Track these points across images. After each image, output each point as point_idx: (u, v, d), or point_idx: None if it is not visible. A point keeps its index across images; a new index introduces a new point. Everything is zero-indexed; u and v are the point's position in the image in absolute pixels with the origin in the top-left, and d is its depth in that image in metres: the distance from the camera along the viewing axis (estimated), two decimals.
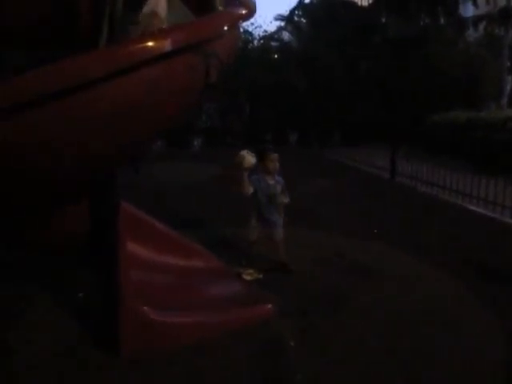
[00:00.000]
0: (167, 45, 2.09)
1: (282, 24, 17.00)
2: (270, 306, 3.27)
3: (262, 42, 15.12)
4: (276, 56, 15.03)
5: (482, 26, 14.92)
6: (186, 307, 3.15)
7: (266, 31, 15.32)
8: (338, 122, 12.72)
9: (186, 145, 12.61)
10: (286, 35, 16.92)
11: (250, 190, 3.90)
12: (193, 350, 2.75)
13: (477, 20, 14.52)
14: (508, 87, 14.18)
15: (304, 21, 16.90)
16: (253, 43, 14.67)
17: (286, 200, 4.12)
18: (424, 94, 12.42)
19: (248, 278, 3.73)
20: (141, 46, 2.09)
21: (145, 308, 2.75)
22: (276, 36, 16.26)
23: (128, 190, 3.92)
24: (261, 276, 3.77)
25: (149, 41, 2.09)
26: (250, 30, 14.19)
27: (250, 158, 3.80)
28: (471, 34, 16.04)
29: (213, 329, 3.03)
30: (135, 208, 3.64)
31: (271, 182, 4.06)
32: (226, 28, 2.47)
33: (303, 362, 2.78)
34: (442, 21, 14.79)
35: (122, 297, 2.66)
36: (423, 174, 7.52)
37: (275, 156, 4.08)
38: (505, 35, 13.95)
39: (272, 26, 20.75)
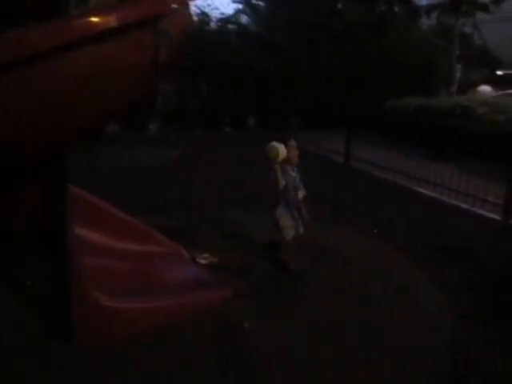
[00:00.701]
0: (114, 21, 2.01)
1: (240, 7, 16.81)
2: (227, 288, 3.29)
3: (219, 24, 14.89)
4: (235, 40, 14.86)
5: (434, 15, 15.36)
6: (142, 293, 3.11)
7: (223, 14, 15.12)
8: (297, 107, 12.79)
9: (142, 128, 12.32)
10: (244, 18, 16.75)
11: (283, 183, 3.63)
12: (152, 335, 2.73)
13: (430, 9, 14.92)
14: (458, 75, 14.73)
15: (262, 4, 16.76)
16: (209, 25, 14.42)
17: (304, 193, 3.86)
18: (380, 80, 12.69)
19: (203, 261, 3.72)
20: (86, 20, 2.00)
21: (97, 294, 2.69)
22: (234, 19, 16.06)
23: (84, 174, 3.79)
24: (216, 259, 3.76)
25: (96, 16, 2.00)
26: (206, 11, 13.96)
27: (283, 150, 3.57)
28: (424, 23, 16.48)
29: (170, 314, 3.00)
30: (89, 193, 3.53)
31: (293, 173, 3.82)
32: (175, 5, 2.39)
33: (263, 341, 2.82)
34: (397, 9, 15.10)
35: (73, 283, 2.59)
36: (377, 158, 7.71)
37: (294, 144, 3.80)
38: (455, 24, 14.42)
39: (230, 9, 20.47)
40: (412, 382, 2.51)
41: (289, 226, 3.71)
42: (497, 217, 5.32)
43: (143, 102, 9.38)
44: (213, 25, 14.70)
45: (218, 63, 12.65)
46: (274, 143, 3.57)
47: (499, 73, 31.69)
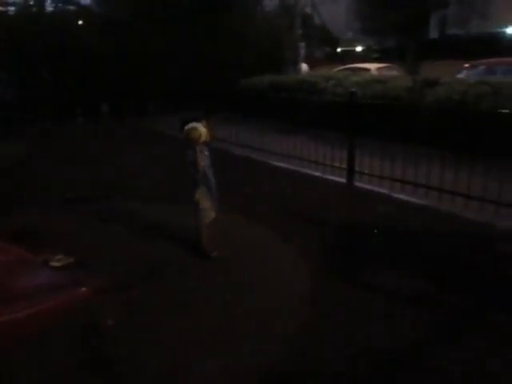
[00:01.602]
0: None
1: None
2: (85, 287, 3.07)
3: (56, 6, 13.56)
4: (80, 22, 13.69)
5: None
6: None
7: None
8: (152, 90, 12.37)
9: None
10: None
11: (203, 164, 3.57)
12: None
13: None
14: (302, 52, 15.70)
15: None
16: (45, 8, 13.06)
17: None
18: (232, 59, 12.89)
19: (58, 264, 3.42)
20: None
21: None
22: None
23: None
24: (72, 260, 3.50)
25: None
26: None
27: (205, 131, 3.50)
28: (268, 4, 17.13)
29: (25, 323, 2.72)
30: None
31: (207, 152, 3.74)
32: None
33: (125, 335, 2.72)
34: None
35: None
36: (235, 136, 7.87)
37: (204, 123, 3.72)
38: (296, 4, 15.26)
39: None
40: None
41: (208, 207, 3.67)
42: (344, 180, 5.83)
43: None
44: (49, 7, 13.33)
45: (60, 47, 11.57)
46: (194, 124, 3.51)
47: (339, 50, 34.84)
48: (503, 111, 4.79)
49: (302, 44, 15.97)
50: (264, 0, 16.60)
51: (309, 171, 6.36)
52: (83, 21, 13.62)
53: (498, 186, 4.24)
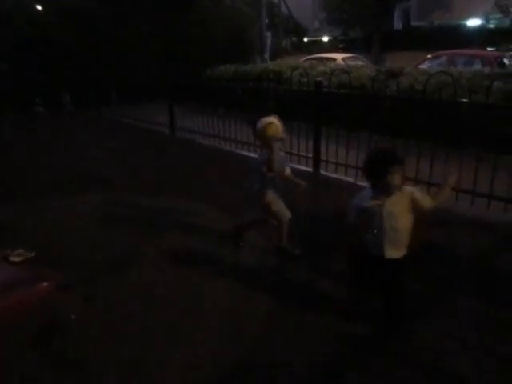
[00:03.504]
0: None
1: None
2: (46, 283, 2.99)
3: None
4: (40, 8, 13.15)
5: None
6: None
7: None
8: (116, 80, 12.07)
9: None
10: None
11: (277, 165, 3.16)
12: None
13: None
14: (269, 42, 15.68)
15: None
16: None
17: (289, 169, 3.53)
18: (198, 49, 12.73)
19: (17, 259, 3.31)
20: None
21: None
22: None
23: None
24: (33, 254, 3.39)
25: None
26: None
27: (281, 126, 3.10)
28: None
29: None
30: None
31: (283, 153, 3.42)
32: None
33: (87, 331, 2.67)
34: None
35: None
36: (202, 126, 7.81)
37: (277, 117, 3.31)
38: None
39: None
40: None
41: (282, 207, 3.43)
42: (310, 169, 5.88)
43: None
44: None
45: (17, 36, 11.12)
46: (269, 118, 3.14)
47: (306, 39, 34.97)
48: (463, 100, 4.92)
49: (269, 33, 15.99)
50: None
51: None
52: (43, 7, 13.11)
53: (458, 173, 4.36)
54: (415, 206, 2.44)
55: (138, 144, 8.08)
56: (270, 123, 3.12)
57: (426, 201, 2.46)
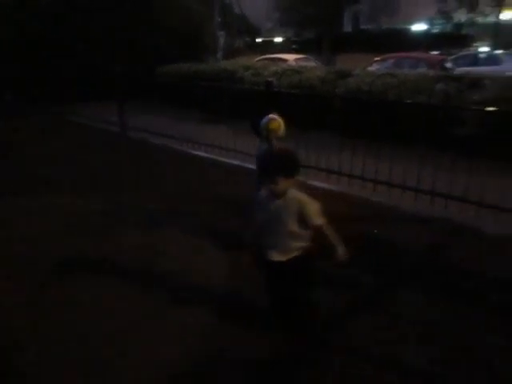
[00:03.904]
0: None
1: None
2: None
3: None
4: None
5: None
6: None
7: None
8: (62, 77, 11.62)
9: None
10: None
11: None
12: None
13: None
14: (222, 41, 15.64)
15: None
16: None
17: None
18: (150, 47, 12.47)
19: None
20: None
21: None
22: None
23: None
24: None
25: None
26: None
27: (283, 124, 3.22)
28: None
29: None
30: None
31: None
32: None
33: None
34: None
35: None
36: (154, 125, 7.68)
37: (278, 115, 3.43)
38: None
39: None
40: None
41: None
42: None
43: None
44: None
45: None
46: (272, 115, 3.30)
47: (259, 40, 35.19)
48: (407, 101, 5.14)
49: (222, 33, 15.94)
50: None
51: (227, 160, 6.39)
52: None
53: (403, 171, 4.55)
54: (303, 217, 2.36)
55: (84, 143, 7.83)
56: (274, 119, 3.34)
57: (314, 218, 2.35)
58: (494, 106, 4.48)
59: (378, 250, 3.72)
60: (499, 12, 23.31)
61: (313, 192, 4.66)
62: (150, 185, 5.48)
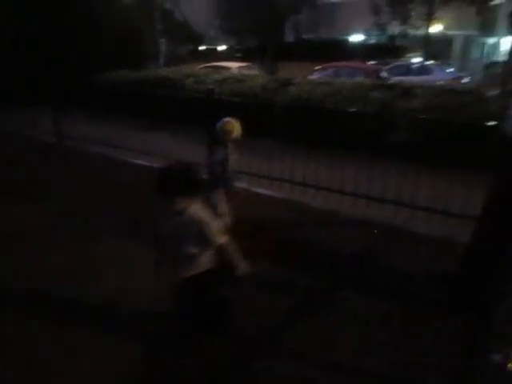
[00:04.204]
0: None
1: None
2: None
3: None
4: None
5: None
6: None
7: None
8: None
9: None
10: None
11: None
12: None
13: None
14: (163, 48, 15.45)
15: None
16: None
17: None
18: (87, 53, 12.08)
19: None
20: None
21: None
22: None
23: None
24: None
25: None
26: None
27: (239, 127, 3.26)
28: None
29: None
30: None
31: (235, 156, 3.40)
32: None
33: None
34: None
35: None
36: (93, 134, 7.42)
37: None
38: None
39: None
40: None
41: (225, 212, 3.36)
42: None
43: None
44: None
45: None
46: (228, 118, 3.32)
47: (202, 47, 35.13)
48: (344, 109, 5.31)
49: (163, 40, 15.73)
50: None
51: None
52: None
53: (342, 177, 4.69)
54: (203, 236, 2.30)
55: (14, 156, 7.41)
56: (229, 121, 3.39)
57: (214, 237, 2.31)
58: (424, 114, 4.73)
59: (317, 254, 3.80)
60: (429, 25, 24.75)
61: (256, 199, 4.70)
62: (87, 196, 5.28)
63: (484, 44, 31.85)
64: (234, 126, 3.41)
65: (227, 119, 3.46)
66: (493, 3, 23.54)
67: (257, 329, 2.80)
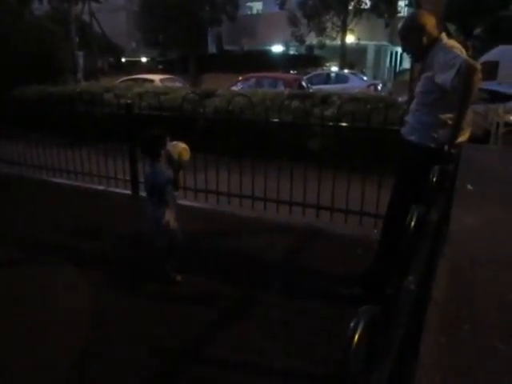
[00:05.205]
0: None
1: None
2: None
3: None
4: None
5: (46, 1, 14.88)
6: None
7: None
8: None
9: None
10: None
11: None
12: None
13: None
14: (81, 61, 14.94)
15: None
16: None
17: None
18: None
19: None
20: None
21: None
22: None
23: None
24: None
25: None
26: None
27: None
28: (39, 8, 15.76)
29: None
30: None
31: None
32: None
33: None
34: None
35: None
36: (4, 153, 7.02)
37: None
38: (69, 10, 14.45)
39: None
40: None
41: (177, 228, 3.46)
42: (129, 192, 5.79)
43: None
44: None
45: None
46: (179, 143, 3.37)
47: (123, 60, 34.36)
48: (266, 119, 5.43)
49: (80, 53, 15.21)
50: (33, 4, 15.19)
51: (93, 186, 6.11)
52: None
53: (264, 185, 4.85)
54: None
55: None
56: (185, 148, 3.39)
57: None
58: (338, 121, 5.01)
59: (240, 262, 3.90)
60: (344, 36, 26.16)
61: (182, 211, 4.73)
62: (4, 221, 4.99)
63: (395, 53, 34.27)
64: (189, 154, 3.43)
65: (183, 145, 3.40)
66: (399, 15, 25.39)
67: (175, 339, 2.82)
